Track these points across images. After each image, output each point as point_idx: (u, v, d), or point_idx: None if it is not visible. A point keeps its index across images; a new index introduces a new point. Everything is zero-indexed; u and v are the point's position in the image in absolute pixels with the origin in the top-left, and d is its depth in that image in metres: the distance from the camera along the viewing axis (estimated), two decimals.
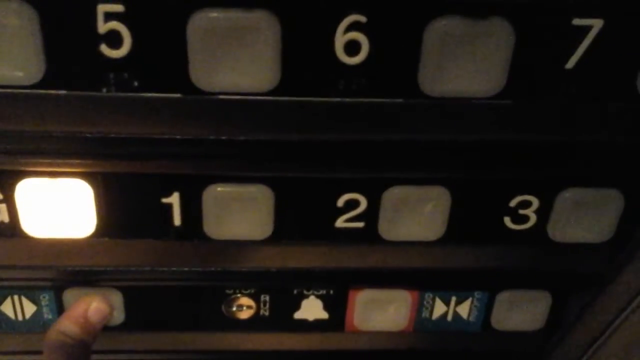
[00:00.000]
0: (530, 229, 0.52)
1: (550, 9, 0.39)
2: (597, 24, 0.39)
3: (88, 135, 0.41)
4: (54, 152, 0.43)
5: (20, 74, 0.39)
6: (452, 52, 0.39)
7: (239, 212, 0.49)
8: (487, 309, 0.60)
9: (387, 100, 0.41)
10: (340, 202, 0.49)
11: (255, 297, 0.58)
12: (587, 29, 0.39)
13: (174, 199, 0.48)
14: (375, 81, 0.40)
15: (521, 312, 0.60)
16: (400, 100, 0.41)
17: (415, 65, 0.40)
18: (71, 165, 0.46)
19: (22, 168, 0.46)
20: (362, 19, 0.38)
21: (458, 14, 0.38)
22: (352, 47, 0.39)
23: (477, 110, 0.42)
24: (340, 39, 0.38)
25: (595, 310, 0.58)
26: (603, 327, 0.59)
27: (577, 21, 0.39)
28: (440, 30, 0.38)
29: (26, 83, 0.39)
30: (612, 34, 0.39)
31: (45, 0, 0.37)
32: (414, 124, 0.43)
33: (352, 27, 0.38)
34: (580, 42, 0.39)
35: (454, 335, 0.62)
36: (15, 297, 0.56)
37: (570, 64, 0.40)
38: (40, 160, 0.45)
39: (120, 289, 0.57)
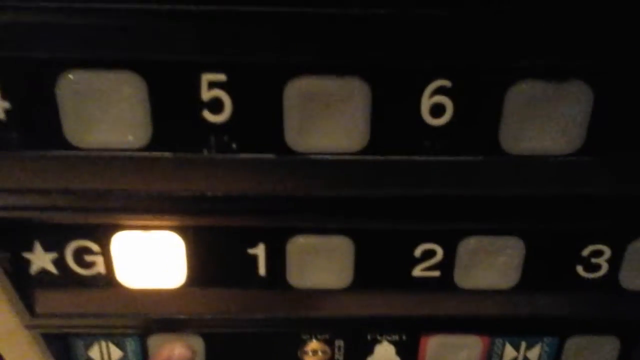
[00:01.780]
0: (602, 277, 0.53)
1: (626, 70, 0.40)
2: None
3: (188, 194, 0.44)
4: (152, 209, 0.45)
5: (130, 137, 0.41)
6: (533, 112, 0.41)
7: (321, 262, 0.51)
8: (556, 354, 0.61)
9: (469, 158, 0.43)
10: (418, 253, 0.51)
11: (329, 343, 0.59)
12: None
13: (260, 250, 0.50)
14: (458, 140, 0.42)
15: (590, 357, 0.61)
16: (481, 157, 0.43)
17: (497, 125, 0.42)
18: (166, 220, 0.48)
19: (117, 222, 0.49)
20: (448, 83, 0.40)
21: (538, 77, 0.40)
22: (437, 110, 0.41)
23: (555, 167, 0.43)
24: (427, 102, 0.41)
25: None
26: None
27: None
28: (522, 93, 0.40)
29: (135, 146, 0.42)
30: None
31: (154, 71, 0.39)
32: (493, 179, 0.44)
33: (438, 91, 0.40)
34: None
35: None
36: (103, 343, 0.58)
37: None
38: (137, 216, 0.47)
39: (202, 335, 0.58)
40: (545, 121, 0.42)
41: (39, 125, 0.41)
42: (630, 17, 0.37)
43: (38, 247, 0.50)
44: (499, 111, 0.41)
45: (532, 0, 0.37)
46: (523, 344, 0.60)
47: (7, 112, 0.40)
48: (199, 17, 0.36)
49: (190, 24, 0.37)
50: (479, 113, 0.42)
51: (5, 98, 0.40)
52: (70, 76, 0.39)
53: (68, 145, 0.42)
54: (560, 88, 0.40)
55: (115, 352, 0.59)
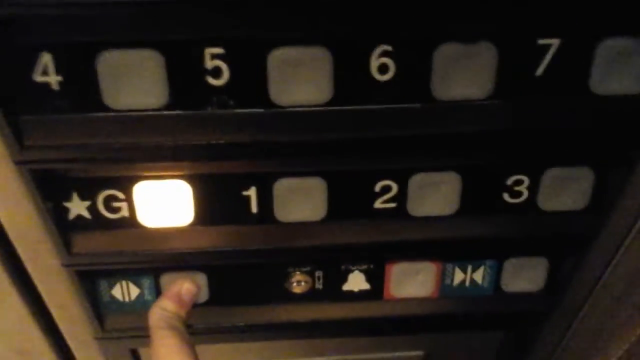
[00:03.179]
0: (524, 201, 0.63)
1: (520, 33, 0.51)
2: (555, 42, 0.52)
3: (196, 143, 0.54)
4: (168, 157, 0.54)
5: (152, 100, 0.52)
6: (455, 67, 0.51)
7: (301, 199, 0.61)
8: (497, 274, 0.71)
9: (409, 105, 0.53)
10: (377, 188, 0.61)
11: (310, 274, 0.70)
12: (549, 46, 0.52)
13: (252, 192, 0.61)
14: (400, 92, 0.53)
15: (524, 275, 0.71)
16: (418, 104, 0.54)
17: (429, 79, 0.52)
18: (178, 169, 0.58)
19: (139, 173, 0.59)
20: (390, 48, 0.51)
21: (457, 40, 0.51)
22: (383, 69, 0.52)
23: (474, 109, 0.54)
24: (374, 63, 0.51)
25: (584, 268, 0.70)
26: (593, 283, 0.71)
27: (540, 41, 0.52)
28: (445, 52, 0.51)
29: (155, 107, 0.52)
30: (568, 48, 0.52)
31: (169, 48, 0.50)
32: (429, 121, 0.54)
33: (383, 54, 0.51)
34: (545, 55, 0.52)
35: (472, 299, 0.73)
36: (123, 282, 0.69)
37: (539, 71, 0.53)
38: (156, 164, 0.57)
39: (205, 271, 0.68)
40: (464, 74, 0.52)
41: (83, 93, 0.51)
42: None
43: (75, 197, 0.60)
44: (430, 68, 0.51)
45: None
46: (469, 267, 0.71)
47: (59, 83, 0.50)
48: (203, 5, 0.47)
49: (196, 11, 0.47)
50: (415, 70, 0.51)
51: (58, 73, 0.50)
52: (107, 54, 0.49)
53: (106, 108, 0.51)
54: (473, 48, 0.50)
55: (134, 290, 0.69)
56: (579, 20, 0.51)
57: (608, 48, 0.52)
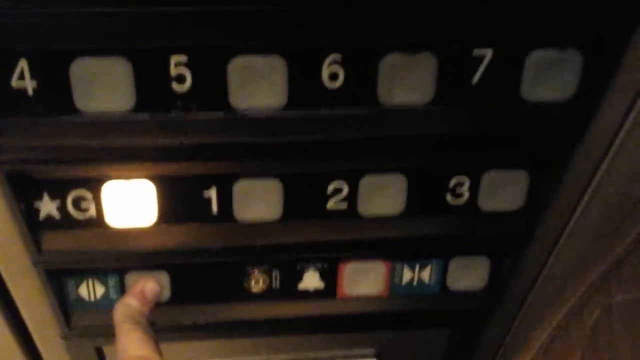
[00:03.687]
0: (465, 202, 0.68)
1: (457, 45, 0.55)
2: (489, 53, 0.56)
3: (160, 144, 0.57)
4: (134, 157, 0.57)
5: (121, 103, 0.55)
6: (399, 75, 0.55)
7: (259, 200, 0.65)
8: (443, 273, 0.75)
9: (358, 110, 0.57)
10: (329, 190, 0.64)
11: (268, 273, 0.73)
12: (483, 56, 0.56)
13: (212, 192, 0.64)
14: (349, 97, 0.56)
15: (468, 274, 0.76)
16: (366, 110, 0.57)
17: (375, 86, 0.55)
18: (143, 169, 0.61)
19: (107, 174, 0.62)
20: (339, 57, 0.55)
21: (400, 51, 0.54)
22: (333, 76, 0.55)
23: (417, 114, 0.57)
24: (325, 71, 0.54)
25: (523, 265, 0.75)
26: (531, 282, 0.76)
27: (475, 52, 0.56)
28: (390, 62, 0.54)
29: (123, 110, 0.55)
30: (500, 58, 0.56)
31: (136, 55, 0.53)
32: (376, 126, 0.57)
33: (333, 62, 0.55)
34: (479, 65, 0.57)
35: (420, 297, 0.76)
36: (90, 281, 0.71)
37: (475, 80, 0.58)
38: (122, 164, 0.60)
39: (168, 270, 0.71)
40: (407, 82, 0.55)
41: (56, 97, 0.54)
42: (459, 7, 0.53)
43: (46, 197, 0.63)
44: (376, 76, 0.54)
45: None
46: (417, 266, 0.75)
47: (34, 89, 0.54)
48: (168, 17, 0.50)
49: (163, 22, 0.51)
50: (362, 78, 0.54)
51: (33, 79, 0.53)
52: (80, 61, 0.52)
53: (77, 111, 0.54)
54: (414, 58, 0.54)
55: (100, 289, 0.72)
56: (510, 34, 0.54)
57: (537, 58, 0.56)
